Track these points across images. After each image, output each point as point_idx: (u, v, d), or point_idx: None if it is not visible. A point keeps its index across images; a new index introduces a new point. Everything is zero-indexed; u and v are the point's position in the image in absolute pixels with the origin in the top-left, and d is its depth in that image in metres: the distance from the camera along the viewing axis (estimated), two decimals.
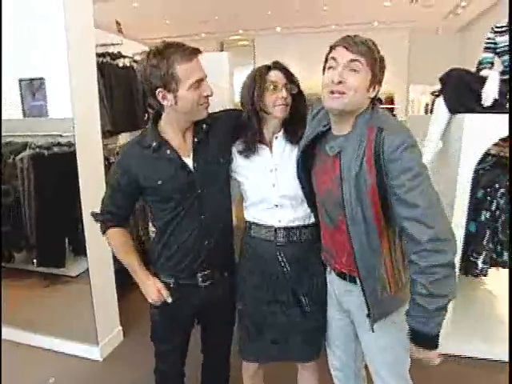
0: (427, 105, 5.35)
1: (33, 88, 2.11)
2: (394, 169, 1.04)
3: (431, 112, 2.53)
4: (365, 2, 6.46)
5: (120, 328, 2.55)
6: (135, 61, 2.99)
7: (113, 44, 2.80)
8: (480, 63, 2.24)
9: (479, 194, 2.18)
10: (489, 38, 2.25)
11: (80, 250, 2.33)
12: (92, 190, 2.13)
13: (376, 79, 1.11)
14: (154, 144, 1.30)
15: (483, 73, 2.14)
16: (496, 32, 2.21)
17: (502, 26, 2.18)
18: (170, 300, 1.36)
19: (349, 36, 1.11)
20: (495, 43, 2.21)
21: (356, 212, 1.11)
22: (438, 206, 1.03)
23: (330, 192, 1.20)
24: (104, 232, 1.41)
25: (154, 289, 1.35)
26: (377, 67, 1.10)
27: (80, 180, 2.10)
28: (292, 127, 1.36)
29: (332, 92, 1.10)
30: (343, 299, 1.32)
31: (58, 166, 2.26)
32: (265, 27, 8.49)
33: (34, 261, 2.41)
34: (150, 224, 1.46)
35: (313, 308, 1.39)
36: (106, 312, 2.43)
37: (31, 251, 2.42)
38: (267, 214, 1.38)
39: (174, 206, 1.32)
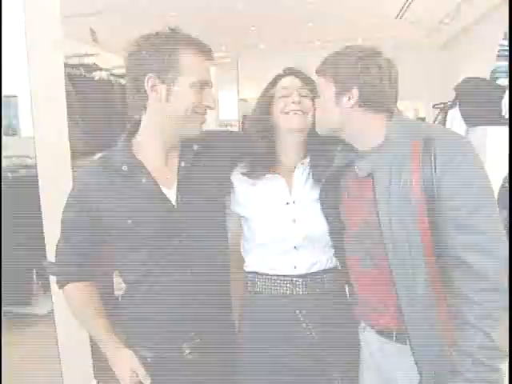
0: None
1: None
2: (449, 186, 0.81)
3: None
4: (349, 19, 6.41)
5: (95, 383, 2.17)
6: (113, 74, 2.72)
7: (87, 55, 2.51)
8: (494, 72, 2.07)
9: (504, 215, 1.96)
10: (502, 46, 2.07)
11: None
12: (57, 215, 1.75)
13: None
14: (125, 167, 0.96)
15: (500, 82, 1.96)
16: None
17: None
18: (148, 383, 1.00)
19: None
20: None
21: (399, 246, 0.86)
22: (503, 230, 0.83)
23: (367, 223, 0.94)
24: (61, 286, 1.06)
25: (126, 368, 1.00)
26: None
27: (43, 206, 1.77)
28: (317, 156, 1.06)
29: None
30: (387, 367, 1.00)
31: (23, 190, 2.02)
32: (248, 44, 8.36)
33: None
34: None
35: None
36: (77, 362, 2.02)
37: None
38: (280, 259, 1.05)
39: (144, 258, 0.98)
